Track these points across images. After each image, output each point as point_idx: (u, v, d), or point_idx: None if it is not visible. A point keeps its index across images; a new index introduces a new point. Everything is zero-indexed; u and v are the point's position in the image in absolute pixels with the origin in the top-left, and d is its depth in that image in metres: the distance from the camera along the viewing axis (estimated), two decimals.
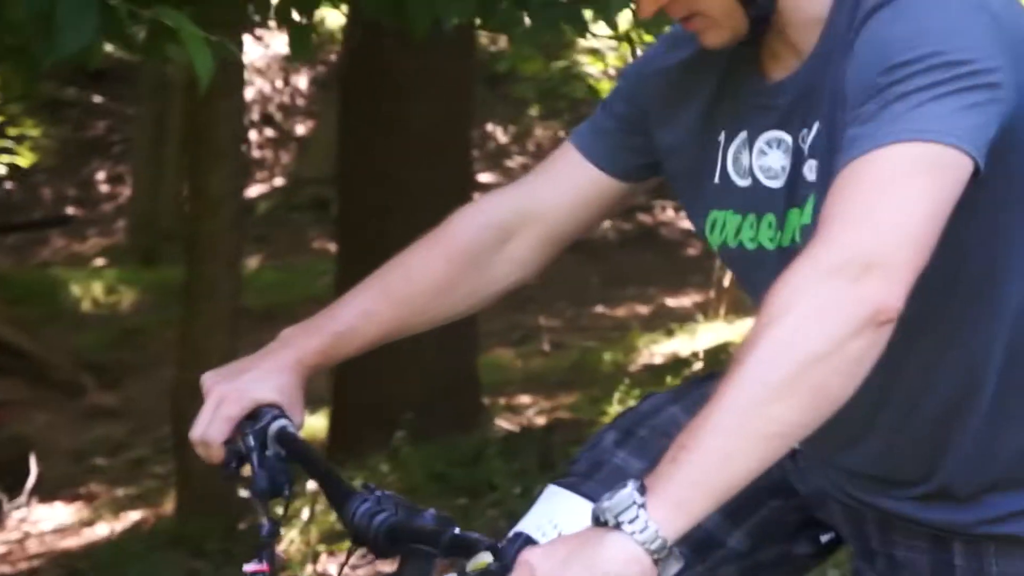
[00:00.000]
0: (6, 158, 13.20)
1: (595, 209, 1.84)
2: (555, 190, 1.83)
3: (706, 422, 1.32)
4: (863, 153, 1.40)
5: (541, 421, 7.36)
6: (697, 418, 1.33)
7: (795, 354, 1.32)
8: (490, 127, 14.13)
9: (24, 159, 13.40)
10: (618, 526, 1.29)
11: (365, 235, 6.53)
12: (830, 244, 1.37)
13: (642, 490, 1.30)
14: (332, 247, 11.82)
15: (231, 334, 6.44)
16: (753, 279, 1.64)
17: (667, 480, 1.31)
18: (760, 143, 1.64)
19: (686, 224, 9.81)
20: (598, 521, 1.31)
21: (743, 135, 1.66)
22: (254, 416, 1.70)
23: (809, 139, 1.58)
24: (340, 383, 6.70)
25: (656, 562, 1.29)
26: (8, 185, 14.12)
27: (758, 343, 1.34)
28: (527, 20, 3.40)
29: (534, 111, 14.65)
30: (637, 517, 1.29)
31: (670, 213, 13.13)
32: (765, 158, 1.63)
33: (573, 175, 1.82)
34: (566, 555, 1.30)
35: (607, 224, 13.28)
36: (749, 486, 1.33)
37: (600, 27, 3.74)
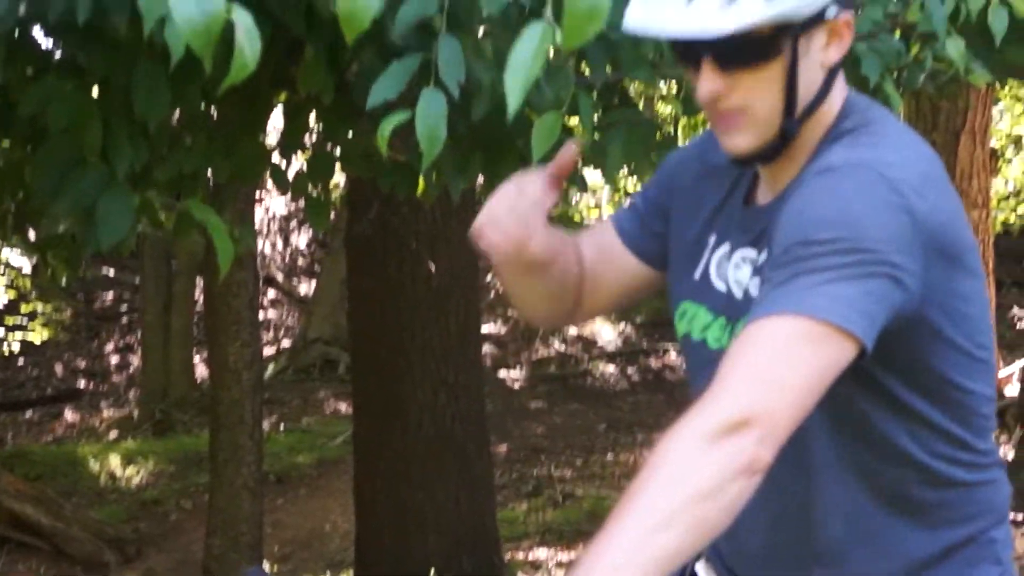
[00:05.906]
0: (19, 335, 13.37)
1: (621, 286, 2.05)
2: (599, 255, 2.04)
3: (604, 543, 1.46)
4: (766, 315, 1.59)
5: (560, 575, 7.38)
6: (597, 540, 1.47)
7: (683, 490, 1.49)
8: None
9: (37, 335, 13.57)
10: None
11: (378, 392, 6.60)
12: (718, 400, 1.55)
13: None
14: (343, 407, 11.88)
15: (257, 498, 6.52)
16: (701, 376, 1.78)
17: None
18: (736, 257, 1.85)
19: None
20: None
21: (727, 246, 1.87)
22: None
23: (760, 261, 1.79)
24: (362, 543, 6.73)
25: None
26: (21, 361, 14.26)
27: (652, 478, 1.50)
28: None
29: None
30: None
31: (673, 356, 13.25)
32: (739, 272, 1.84)
33: (610, 246, 2.04)
34: None
35: (612, 369, 13.41)
36: None
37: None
